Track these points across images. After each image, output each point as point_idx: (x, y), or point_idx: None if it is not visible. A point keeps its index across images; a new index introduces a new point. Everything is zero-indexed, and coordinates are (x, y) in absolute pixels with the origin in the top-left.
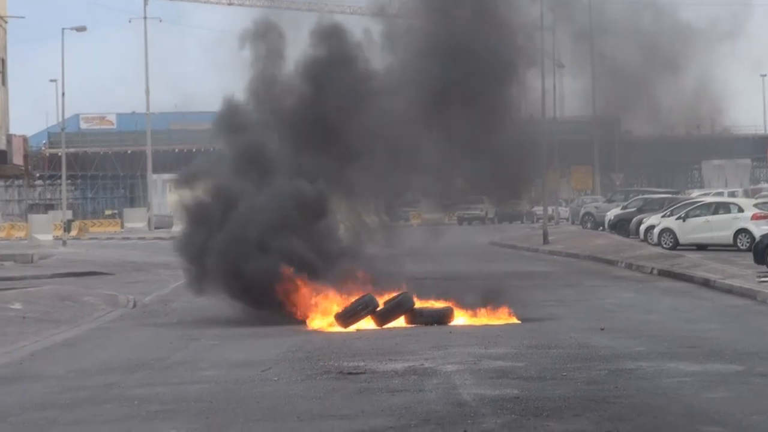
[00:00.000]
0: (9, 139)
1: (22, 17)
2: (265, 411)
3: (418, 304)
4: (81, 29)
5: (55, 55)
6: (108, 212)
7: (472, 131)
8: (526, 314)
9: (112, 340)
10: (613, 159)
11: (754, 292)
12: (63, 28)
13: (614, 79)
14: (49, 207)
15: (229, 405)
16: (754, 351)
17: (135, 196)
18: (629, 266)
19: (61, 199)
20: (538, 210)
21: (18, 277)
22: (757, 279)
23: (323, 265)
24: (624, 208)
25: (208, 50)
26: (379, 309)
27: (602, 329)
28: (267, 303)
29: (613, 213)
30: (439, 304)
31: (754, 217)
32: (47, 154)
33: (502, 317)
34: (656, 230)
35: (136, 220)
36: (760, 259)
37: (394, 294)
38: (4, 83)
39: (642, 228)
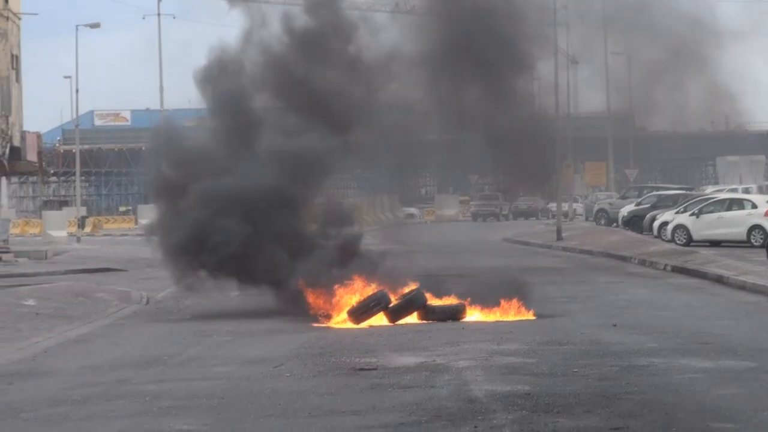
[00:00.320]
0: (23, 135)
1: (36, 14)
2: (276, 407)
3: (435, 300)
4: (95, 26)
5: (69, 52)
6: (122, 209)
7: (489, 113)
8: (539, 310)
9: (125, 336)
10: (627, 155)
11: None
12: (77, 25)
13: (630, 75)
14: (63, 204)
15: (241, 401)
16: (766, 348)
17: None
18: (642, 263)
19: (75, 195)
20: (554, 206)
21: (32, 273)
22: None
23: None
24: (638, 204)
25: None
26: (391, 305)
27: (614, 326)
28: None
29: (626, 209)
30: (451, 301)
31: None
32: (61, 151)
33: (515, 313)
34: (670, 227)
35: (150, 217)
36: None
37: (407, 290)
38: (18, 80)
39: (655, 224)
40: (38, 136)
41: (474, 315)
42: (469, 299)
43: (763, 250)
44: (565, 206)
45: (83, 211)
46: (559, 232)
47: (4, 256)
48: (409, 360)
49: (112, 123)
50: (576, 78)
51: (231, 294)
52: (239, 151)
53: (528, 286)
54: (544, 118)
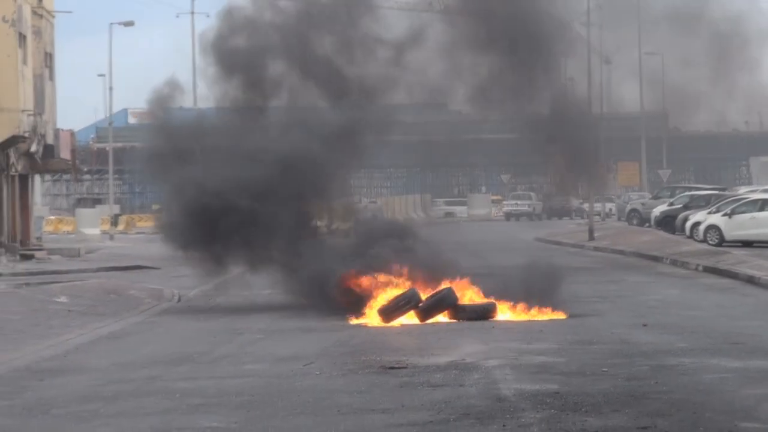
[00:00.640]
0: (56, 133)
1: (70, 12)
2: (306, 405)
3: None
4: (129, 24)
5: (103, 50)
6: (155, 207)
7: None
8: (570, 310)
9: (156, 333)
10: (660, 155)
11: None
12: (111, 23)
13: (664, 74)
14: (96, 201)
15: (271, 399)
16: None
17: None
18: (674, 263)
19: (108, 193)
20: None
21: (64, 270)
22: None
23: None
24: (670, 204)
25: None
26: (421, 304)
27: (645, 325)
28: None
29: (659, 209)
30: (481, 300)
31: None
32: (95, 149)
33: (546, 313)
34: (702, 227)
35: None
36: None
37: (437, 289)
38: (51, 78)
39: (688, 225)
40: (72, 133)
41: (505, 314)
42: (493, 297)
43: None
44: (597, 206)
45: (116, 209)
46: (591, 232)
47: (38, 254)
48: (438, 359)
49: (146, 121)
50: (609, 77)
51: (262, 292)
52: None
53: (561, 274)
54: (581, 103)
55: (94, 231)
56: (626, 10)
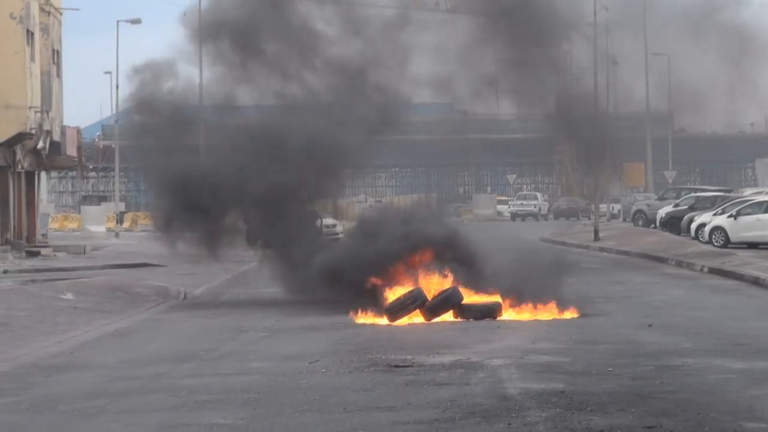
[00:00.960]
0: (63, 130)
1: (77, 9)
2: (312, 402)
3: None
4: (136, 22)
5: (110, 47)
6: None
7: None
8: (575, 310)
9: (162, 330)
10: (665, 156)
11: None
12: (118, 21)
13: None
14: (102, 199)
15: (277, 396)
16: None
17: None
18: (679, 264)
19: (113, 191)
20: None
21: (70, 267)
22: None
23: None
24: (675, 205)
25: None
26: (427, 303)
27: (650, 326)
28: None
29: (664, 210)
30: (488, 298)
31: None
32: (101, 146)
33: (551, 312)
34: (707, 228)
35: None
36: None
37: (443, 288)
38: (58, 75)
39: (693, 226)
40: (78, 131)
41: (510, 313)
42: (500, 294)
43: None
44: (603, 207)
45: (122, 206)
46: (596, 232)
47: (43, 251)
48: (444, 358)
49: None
50: (615, 78)
51: (268, 290)
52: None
53: (564, 285)
54: (587, 102)
55: (99, 228)
56: (633, 9)
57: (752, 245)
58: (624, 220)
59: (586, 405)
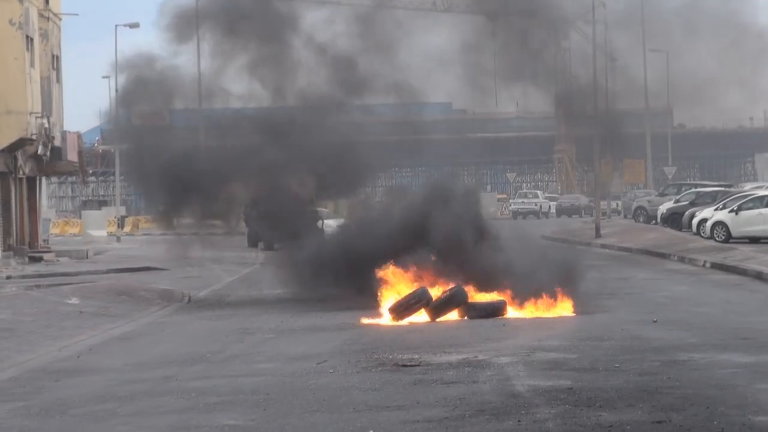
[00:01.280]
0: (64, 136)
1: (76, 14)
2: (321, 402)
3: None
4: (134, 26)
5: (108, 52)
6: (161, 208)
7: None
8: (579, 307)
9: (168, 333)
10: (665, 152)
11: None
12: (116, 25)
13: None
14: (102, 203)
15: (286, 397)
16: None
17: None
18: (682, 259)
19: (113, 195)
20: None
21: (74, 272)
22: None
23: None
24: (676, 201)
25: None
26: (432, 302)
27: (655, 321)
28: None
29: (665, 206)
30: (492, 297)
31: None
32: (100, 151)
33: (556, 310)
34: (709, 223)
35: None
36: None
37: (448, 287)
38: (58, 80)
39: (694, 221)
40: (79, 135)
41: (515, 311)
42: (508, 293)
43: None
44: (603, 204)
45: (122, 210)
46: (598, 229)
47: (46, 256)
48: (451, 356)
49: (151, 123)
50: (614, 74)
51: (272, 291)
52: None
53: (568, 282)
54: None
55: (100, 233)
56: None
57: (754, 240)
58: (625, 216)
59: (594, 401)
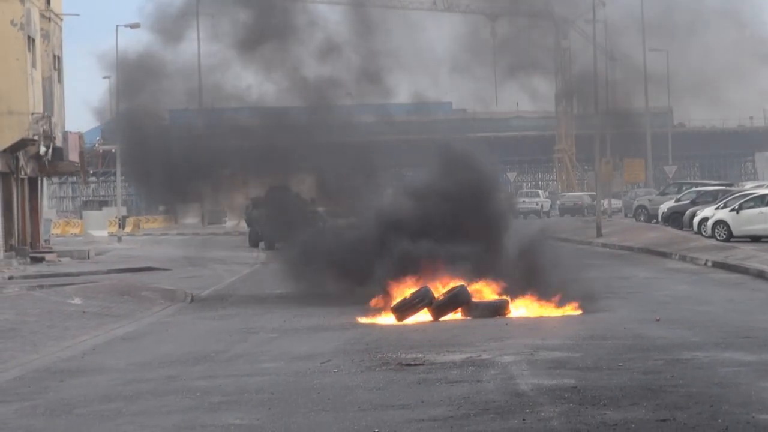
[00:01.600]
0: (65, 136)
1: (78, 15)
2: (326, 402)
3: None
4: (135, 26)
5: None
6: (161, 208)
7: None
8: (582, 306)
9: (171, 333)
10: (665, 151)
11: None
12: (117, 25)
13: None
14: (102, 203)
15: (291, 396)
16: None
17: None
18: (683, 258)
19: (114, 195)
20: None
21: (76, 272)
22: None
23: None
24: (677, 200)
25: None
26: (435, 302)
27: (657, 320)
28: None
29: (666, 205)
30: (494, 297)
31: None
32: (101, 151)
33: (558, 309)
34: (710, 222)
35: (190, 216)
36: None
37: (451, 287)
38: (59, 80)
39: (696, 220)
40: (80, 136)
41: (517, 310)
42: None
43: None
44: (604, 203)
45: (123, 211)
46: (599, 228)
47: (48, 256)
48: (454, 355)
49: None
50: (615, 74)
51: (274, 291)
52: None
53: (569, 282)
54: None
55: (101, 233)
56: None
57: (755, 238)
58: (625, 215)
59: (598, 399)
